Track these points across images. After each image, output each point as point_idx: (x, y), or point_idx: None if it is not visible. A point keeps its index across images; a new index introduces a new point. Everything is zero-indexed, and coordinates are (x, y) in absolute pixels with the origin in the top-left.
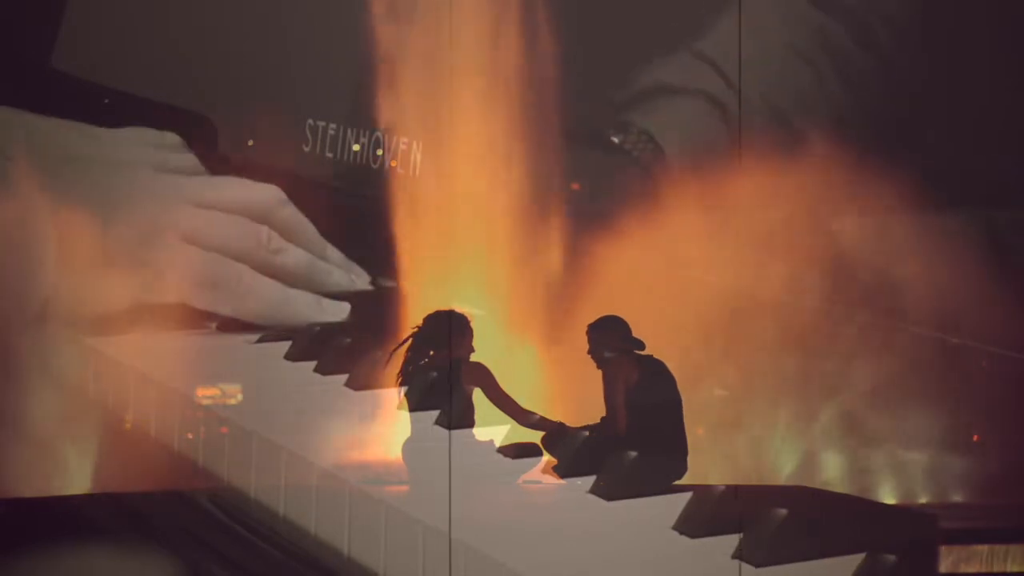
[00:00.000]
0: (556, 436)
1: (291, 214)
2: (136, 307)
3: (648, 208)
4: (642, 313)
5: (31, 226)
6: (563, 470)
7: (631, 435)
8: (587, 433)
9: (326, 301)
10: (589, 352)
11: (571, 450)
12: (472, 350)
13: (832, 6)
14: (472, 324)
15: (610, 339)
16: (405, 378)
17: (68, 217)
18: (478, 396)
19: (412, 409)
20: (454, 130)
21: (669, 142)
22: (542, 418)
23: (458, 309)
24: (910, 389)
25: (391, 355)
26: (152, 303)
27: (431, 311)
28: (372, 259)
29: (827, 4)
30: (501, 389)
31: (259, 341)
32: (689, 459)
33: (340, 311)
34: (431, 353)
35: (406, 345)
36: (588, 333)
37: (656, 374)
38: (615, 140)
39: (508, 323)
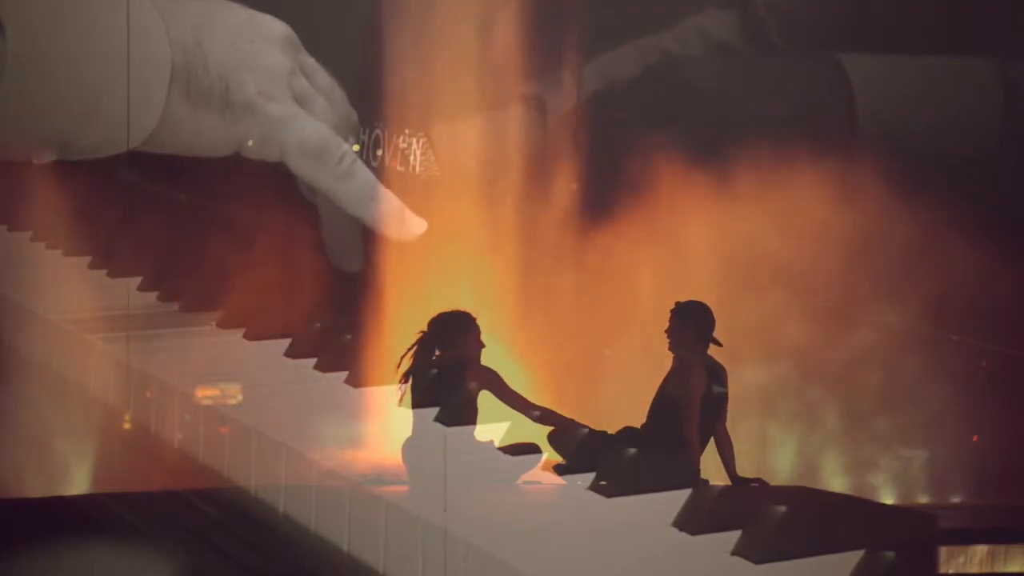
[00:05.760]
0: (565, 432)
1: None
2: (236, 160)
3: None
4: (638, 312)
5: (150, 48)
6: (569, 467)
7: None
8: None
9: (409, 212)
10: (667, 332)
11: (575, 446)
12: (481, 346)
13: None
14: (478, 323)
15: (689, 335)
16: (407, 378)
17: (189, 52)
18: (483, 397)
19: (414, 407)
20: (452, 128)
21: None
22: (552, 412)
23: (464, 309)
24: (909, 388)
25: (400, 360)
26: (253, 158)
27: (436, 313)
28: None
29: None
30: (510, 390)
31: (253, 338)
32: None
33: (419, 227)
34: (437, 353)
35: (413, 349)
36: (675, 317)
37: (718, 383)
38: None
39: (502, 324)
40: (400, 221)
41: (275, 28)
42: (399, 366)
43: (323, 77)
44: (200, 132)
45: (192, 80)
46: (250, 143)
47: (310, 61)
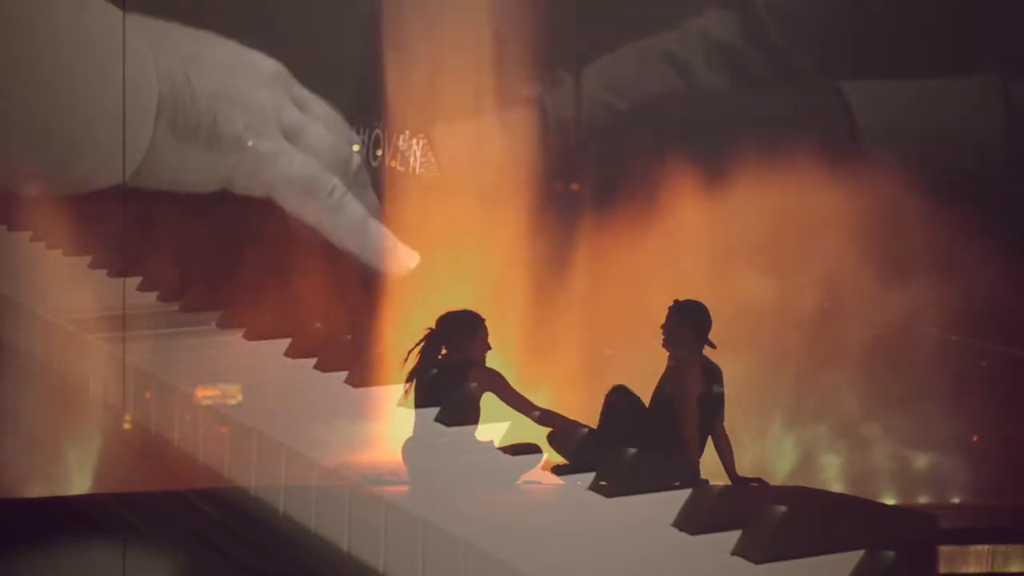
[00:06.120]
0: (565, 433)
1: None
2: (222, 195)
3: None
4: (639, 313)
5: (137, 80)
6: (570, 467)
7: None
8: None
9: (402, 245)
10: (663, 327)
11: (575, 447)
12: (487, 348)
13: None
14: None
15: (686, 334)
16: (413, 376)
17: (176, 84)
18: (485, 398)
19: (417, 407)
20: (452, 129)
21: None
22: (553, 414)
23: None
24: (909, 388)
25: (408, 355)
26: (239, 194)
27: (442, 312)
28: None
29: None
30: (512, 391)
31: (253, 338)
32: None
33: (411, 260)
34: (443, 352)
35: (420, 346)
36: (673, 314)
37: (716, 383)
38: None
39: (502, 324)
40: (392, 253)
41: (264, 65)
42: (405, 361)
43: (319, 106)
44: (187, 166)
45: (179, 112)
46: (250, 143)
47: (303, 93)
